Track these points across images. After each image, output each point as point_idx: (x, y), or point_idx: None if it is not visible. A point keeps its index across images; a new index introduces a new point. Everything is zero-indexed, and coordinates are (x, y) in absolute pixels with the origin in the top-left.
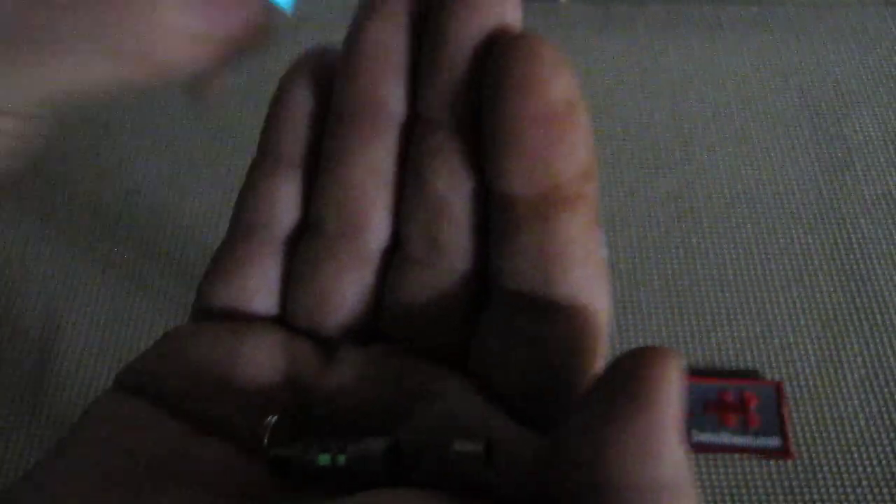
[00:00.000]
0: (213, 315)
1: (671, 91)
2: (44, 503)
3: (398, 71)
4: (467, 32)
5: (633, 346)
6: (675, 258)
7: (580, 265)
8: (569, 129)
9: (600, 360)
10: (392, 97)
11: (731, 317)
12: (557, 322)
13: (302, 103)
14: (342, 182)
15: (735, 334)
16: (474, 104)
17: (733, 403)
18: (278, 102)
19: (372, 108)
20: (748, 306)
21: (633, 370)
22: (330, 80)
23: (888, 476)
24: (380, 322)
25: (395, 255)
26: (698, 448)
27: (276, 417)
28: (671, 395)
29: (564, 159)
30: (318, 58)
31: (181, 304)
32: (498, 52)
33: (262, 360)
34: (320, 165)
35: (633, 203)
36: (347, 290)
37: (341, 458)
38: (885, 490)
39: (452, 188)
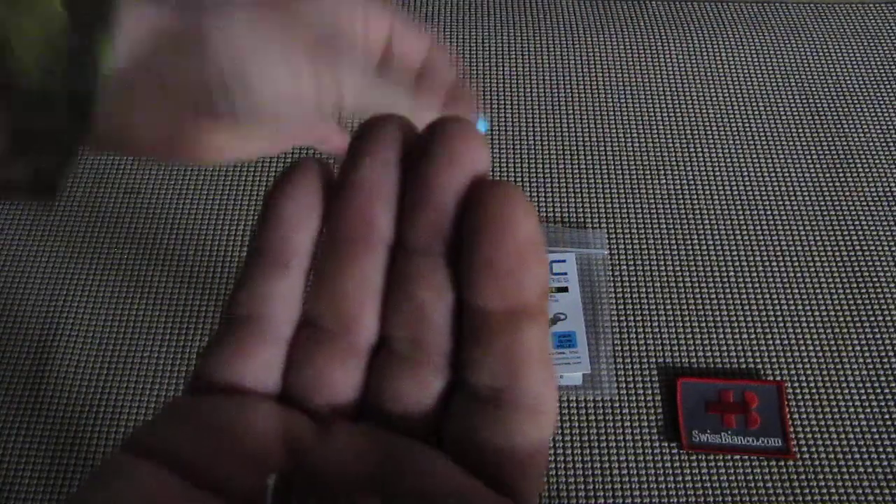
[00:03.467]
0: (212, 389)
1: (671, 91)
2: None
3: (388, 203)
4: (449, 181)
5: (633, 346)
6: (675, 258)
7: (539, 367)
8: (533, 260)
9: (549, 443)
10: (382, 223)
11: (732, 317)
12: (516, 413)
13: (298, 212)
14: (337, 290)
15: (735, 334)
16: (454, 234)
17: (734, 404)
18: (277, 207)
19: (365, 230)
20: (748, 306)
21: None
22: (324, 187)
23: (889, 476)
24: (367, 406)
25: (381, 351)
26: (699, 448)
27: (275, 477)
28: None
29: (530, 282)
30: (311, 169)
31: (181, 304)
32: (478, 197)
33: (261, 427)
34: (317, 272)
35: (633, 203)
36: (339, 376)
37: None
38: (885, 490)
39: (435, 300)
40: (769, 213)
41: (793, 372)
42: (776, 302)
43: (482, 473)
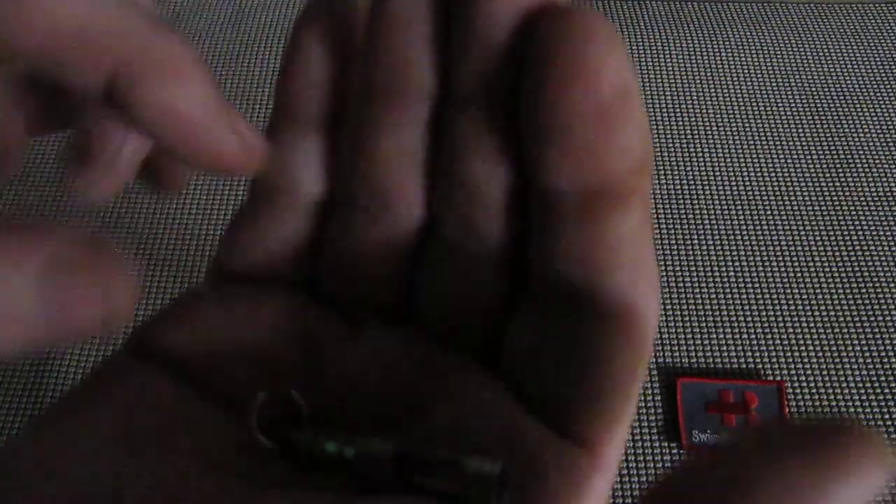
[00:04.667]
0: (234, 276)
1: (671, 91)
2: (41, 459)
3: (427, 42)
4: (503, 4)
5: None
6: (674, 258)
7: (629, 268)
8: (622, 122)
9: (644, 367)
10: (422, 71)
11: (732, 317)
12: (600, 323)
13: (318, 58)
14: (372, 159)
15: (735, 334)
16: (513, 82)
17: (734, 404)
18: (292, 55)
19: (401, 82)
20: (748, 306)
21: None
22: (346, 28)
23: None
24: (413, 303)
25: (428, 236)
26: (699, 448)
27: (265, 395)
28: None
29: (617, 155)
30: (331, 5)
31: None
32: (544, 28)
33: (280, 329)
34: (346, 136)
35: None
36: (379, 265)
37: (349, 451)
38: (885, 490)
39: (488, 175)
40: (769, 213)
41: (793, 372)
42: (776, 302)
43: (544, 409)
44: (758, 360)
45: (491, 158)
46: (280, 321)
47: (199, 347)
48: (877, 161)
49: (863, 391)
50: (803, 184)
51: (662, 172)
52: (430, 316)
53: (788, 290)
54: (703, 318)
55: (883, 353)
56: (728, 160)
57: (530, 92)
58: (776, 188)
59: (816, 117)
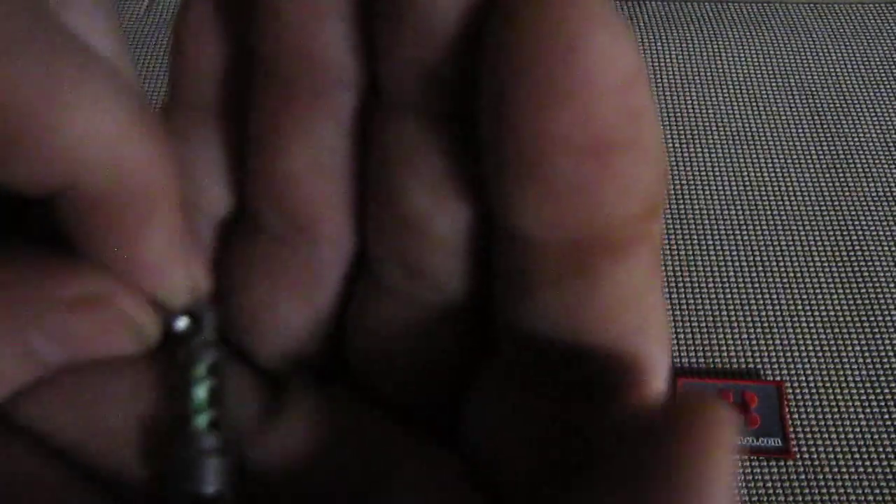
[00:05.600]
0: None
1: (671, 91)
2: None
3: (342, 19)
4: None
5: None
6: (675, 258)
7: (635, 332)
8: (627, 153)
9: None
10: (337, 56)
11: (731, 317)
12: (591, 413)
13: (211, 28)
14: (278, 170)
15: (735, 334)
16: (467, 80)
17: (734, 404)
18: (181, 24)
19: (310, 68)
20: (748, 306)
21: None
22: None
23: (889, 476)
24: (342, 360)
25: (360, 274)
26: None
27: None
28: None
29: (618, 196)
30: None
31: None
32: (507, 8)
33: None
34: (249, 135)
35: None
36: (291, 311)
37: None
38: (885, 490)
39: (436, 205)
40: (769, 212)
41: (793, 372)
42: (776, 302)
43: (510, 496)
44: (758, 360)
45: (439, 188)
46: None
47: (71, 420)
48: (877, 161)
49: (863, 391)
50: (803, 184)
51: None
52: (366, 375)
53: (788, 290)
54: (703, 318)
55: (883, 353)
56: (728, 160)
57: (489, 105)
58: (776, 188)
59: (816, 117)
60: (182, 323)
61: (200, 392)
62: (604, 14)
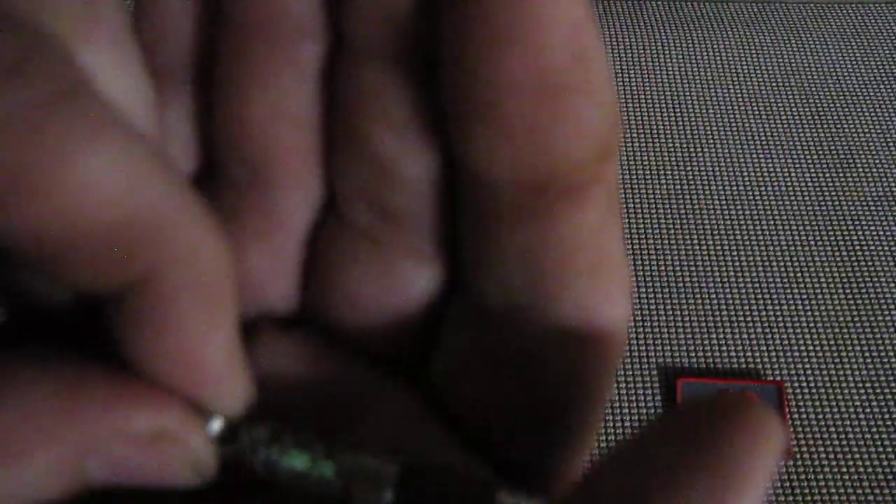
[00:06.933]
0: None
1: (671, 91)
2: None
3: None
4: None
5: (633, 346)
6: (675, 258)
7: (589, 273)
8: (578, 92)
9: (606, 393)
10: (297, 3)
11: (732, 317)
12: (551, 344)
13: None
14: (238, 117)
15: (735, 334)
16: (425, 26)
17: None
18: None
19: (269, 16)
20: (748, 306)
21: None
22: None
23: (889, 476)
24: (311, 305)
25: (327, 221)
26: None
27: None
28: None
29: (570, 137)
30: None
31: None
32: None
33: None
34: (214, 86)
35: (632, 202)
36: (259, 262)
37: (326, 469)
38: (885, 490)
39: (404, 153)
40: (769, 213)
41: (793, 372)
42: (776, 302)
43: (475, 434)
44: (758, 360)
45: (405, 132)
46: None
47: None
48: (877, 161)
49: (863, 391)
50: (803, 184)
51: (662, 172)
52: (335, 318)
53: (788, 290)
54: (703, 318)
55: (883, 353)
56: (728, 160)
57: (447, 49)
58: (776, 188)
59: (816, 117)
60: (216, 426)
61: (296, 463)
62: None
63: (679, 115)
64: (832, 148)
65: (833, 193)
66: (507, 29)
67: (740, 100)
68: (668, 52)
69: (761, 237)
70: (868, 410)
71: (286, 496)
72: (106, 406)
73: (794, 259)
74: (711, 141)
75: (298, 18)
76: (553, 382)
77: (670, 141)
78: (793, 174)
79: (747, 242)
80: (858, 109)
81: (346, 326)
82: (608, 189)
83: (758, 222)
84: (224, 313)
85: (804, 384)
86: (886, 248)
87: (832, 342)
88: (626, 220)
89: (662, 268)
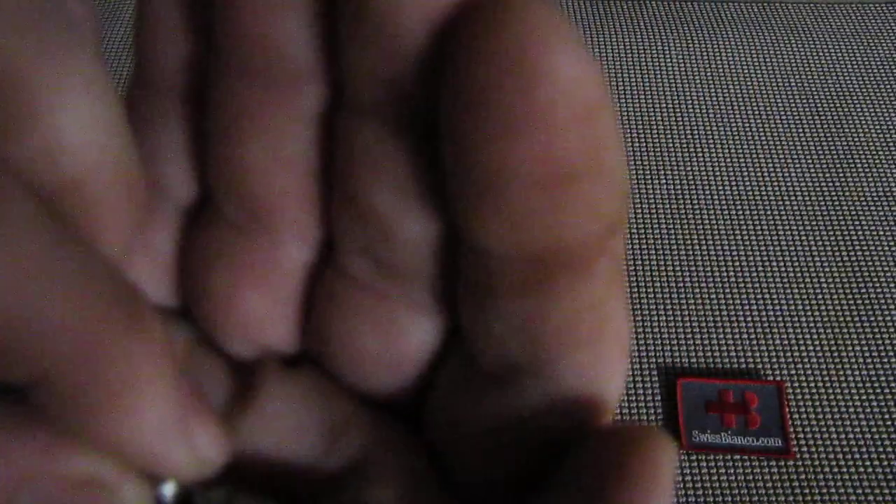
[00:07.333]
0: None
1: (671, 91)
2: None
3: (302, 10)
4: None
5: (633, 346)
6: (675, 258)
7: (587, 349)
8: (588, 181)
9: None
10: (298, 49)
11: (731, 317)
12: (547, 410)
13: (175, 7)
14: (236, 161)
15: (735, 334)
16: (427, 94)
17: (734, 404)
18: (144, 3)
19: (268, 60)
20: (748, 306)
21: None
22: None
23: (889, 476)
24: (310, 348)
25: (326, 268)
26: (699, 448)
27: (174, 489)
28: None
29: (578, 220)
30: None
31: None
32: (468, 34)
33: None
34: (209, 122)
35: (632, 202)
36: (254, 300)
37: None
38: (885, 490)
39: (401, 210)
40: (769, 212)
41: (793, 372)
42: (776, 302)
43: (467, 487)
44: (758, 360)
45: (404, 193)
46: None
47: None
48: (877, 161)
49: (863, 391)
50: (803, 184)
51: (662, 172)
52: (332, 363)
53: (788, 290)
54: (703, 318)
55: (883, 353)
56: (728, 160)
57: (449, 129)
58: (776, 188)
59: (816, 117)
60: (169, 490)
61: None
62: (566, 41)
63: (679, 115)
64: (832, 148)
65: (833, 193)
66: (514, 118)
67: (740, 100)
68: (668, 52)
69: (761, 237)
70: (868, 410)
71: None
72: (42, 447)
73: (794, 259)
74: (711, 141)
75: (296, 63)
76: (545, 447)
77: (670, 141)
78: (793, 174)
79: (747, 242)
80: (858, 109)
81: (344, 372)
82: (613, 260)
83: (758, 222)
84: (153, 392)
85: (804, 384)
86: (886, 248)
87: (832, 342)
88: (627, 220)
89: (662, 268)
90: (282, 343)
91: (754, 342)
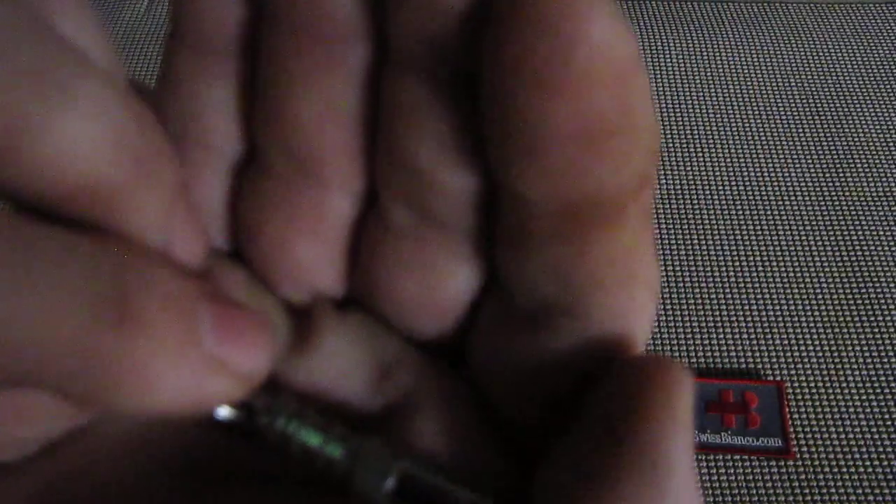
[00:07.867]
0: None
1: (671, 91)
2: None
3: None
4: None
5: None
6: (675, 258)
7: (618, 291)
8: (621, 137)
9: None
10: (345, 8)
11: (732, 317)
12: (578, 349)
13: None
14: (286, 116)
15: (735, 334)
16: (468, 51)
17: (734, 404)
18: None
19: (318, 18)
20: (748, 306)
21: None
22: None
23: (889, 476)
24: (353, 291)
25: (369, 216)
26: (699, 448)
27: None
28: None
29: (611, 174)
30: None
31: None
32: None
33: None
34: (258, 77)
35: None
36: (304, 249)
37: (336, 450)
38: (885, 490)
39: (442, 163)
40: (769, 212)
41: (793, 372)
42: (776, 302)
43: (508, 419)
44: (758, 360)
45: (445, 146)
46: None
47: None
48: (877, 161)
49: (863, 391)
50: (803, 184)
51: (662, 172)
52: (378, 307)
53: (788, 290)
54: (703, 318)
55: (883, 353)
56: (728, 160)
57: (489, 87)
58: (776, 188)
59: (816, 117)
60: (223, 412)
61: (310, 439)
62: (601, 6)
63: (679, 114)
64: (832, 148)
65: (833, 193)
66: (552, 78)
67: (740, 100)
68: (668, 52)
69: (761, 237)
70: (868, 410)
71: (290, 470)
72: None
73: (794, 259)
74: (711, 141)
75: (344, 22)
76: (578, 381)
77: (670, 141)
78: (793, 174)
79: (747, 242)
80: (858, 109)
81: (389, 315)
82: (643, 211)
83: (758, 222)
84: (165, 363)
85: (804, 384)
86: (886, 248)
87: (832, 342)
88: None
89: (662, 268)
90: (330, 287)
91: (754, 342)
